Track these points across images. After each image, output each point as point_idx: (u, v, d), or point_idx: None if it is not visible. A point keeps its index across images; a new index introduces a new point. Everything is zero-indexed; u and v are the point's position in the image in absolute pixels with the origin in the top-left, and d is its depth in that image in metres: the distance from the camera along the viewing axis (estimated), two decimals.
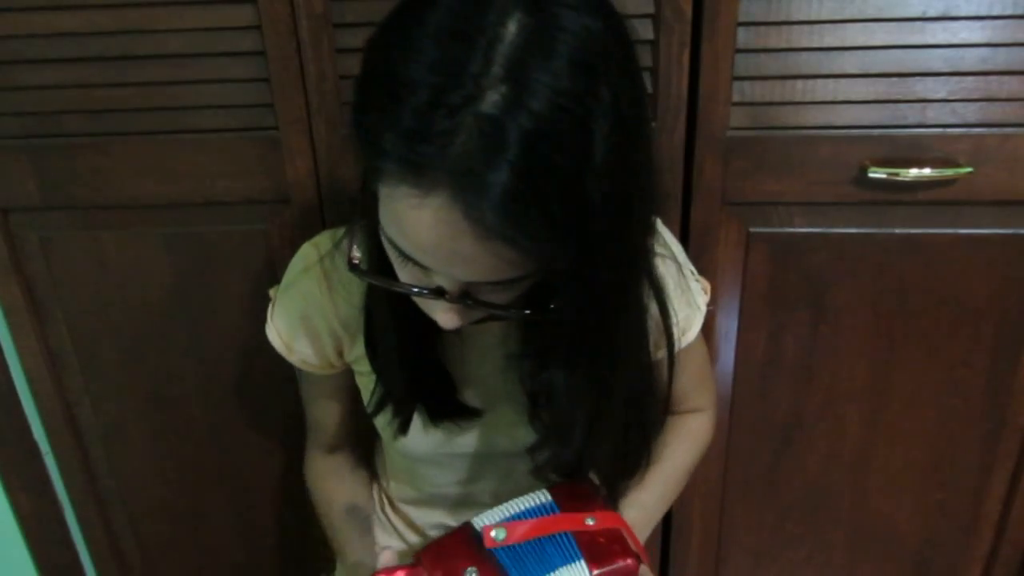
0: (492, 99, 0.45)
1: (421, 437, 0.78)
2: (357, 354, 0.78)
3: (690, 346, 0.81)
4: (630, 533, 0.66)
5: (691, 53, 0.87)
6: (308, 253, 0.77)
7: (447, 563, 0.61)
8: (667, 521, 1.17)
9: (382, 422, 0.79)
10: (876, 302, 0.99)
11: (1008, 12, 0.82)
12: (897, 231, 0.95)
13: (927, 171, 0.88)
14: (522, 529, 0.63)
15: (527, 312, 0.58)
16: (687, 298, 0.78)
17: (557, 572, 0.59)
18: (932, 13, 0.83)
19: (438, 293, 0.56)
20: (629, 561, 0.62)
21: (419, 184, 0.47)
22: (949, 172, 0.88)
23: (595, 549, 0.62)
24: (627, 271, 0.59)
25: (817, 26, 0.84)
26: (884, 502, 1.12)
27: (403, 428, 0.76)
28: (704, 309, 0.82)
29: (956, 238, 0.94)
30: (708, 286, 0.84)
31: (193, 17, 0.87)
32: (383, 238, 0.56)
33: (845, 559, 1.18)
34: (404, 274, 0.58)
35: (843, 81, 0.87)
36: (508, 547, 0.62)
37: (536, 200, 0.46)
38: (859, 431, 1.07)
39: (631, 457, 0.76)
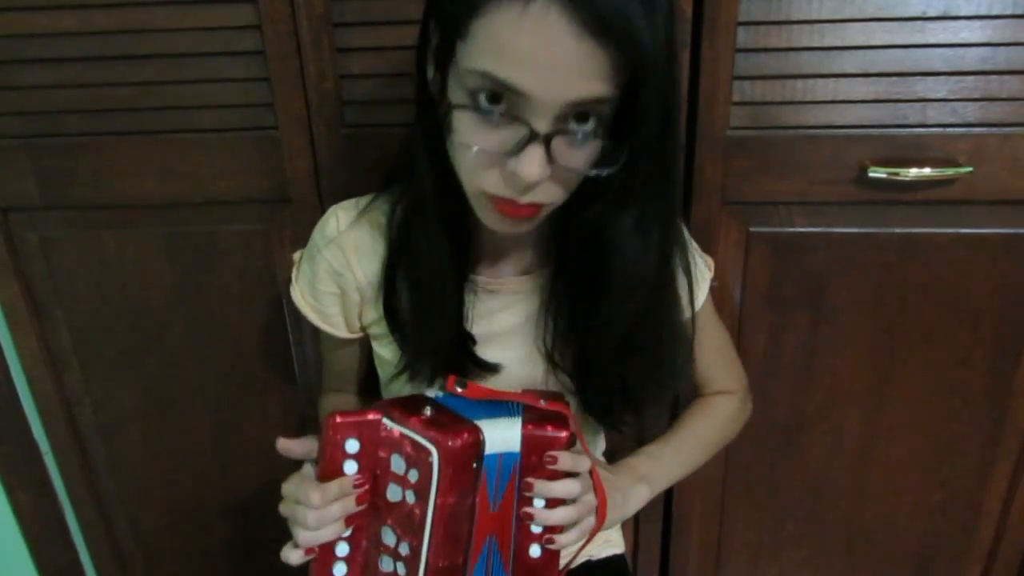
0: None
1: None
2: (374, 317, 0.80)
3: (704, 316, 0.83)
4: (575, 421, 0.70)
5: (691, 53, 0.87)
6: (335, 216, 0.79)
7: (404, 406, 0.66)
8: (667, 521, 1.17)
9: (398, 385, 0.80)
10: (876, 302, 0.99)
11: (1008, 12, 0.82)
12: (897, 231, 0.95)
13: (927, 171, 0.88)
14: (481, 390, 0.69)
15: (600, 169, 0.61)
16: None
17: (495, 419, 0.65)
18: (932, 13, 0.83)
19: (530, 137, 0.59)
20: (562, 434, 0.66)
21: None
22: (949, 172, 0.88)
23: (535, 415, 0.67)
24: (675, 137, 0.63)
25: (817, 26, 0.84)
26: (884, 502, 1.12)
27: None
28: (709, 279, 0.84)
29: (956, 238, 0.94)
30: (711, 262, 0.86)
31: (193, 17, 0.87)
32: (468, 90, 0.59)
33: (845, 559, 1.18)
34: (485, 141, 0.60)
35: (843, 81, 0.87)
36: (460, 399, 0.68)
37: (624, 6, 0.53)
38: (859, 431, 1.07)
39: (653, 389, 0.77)
